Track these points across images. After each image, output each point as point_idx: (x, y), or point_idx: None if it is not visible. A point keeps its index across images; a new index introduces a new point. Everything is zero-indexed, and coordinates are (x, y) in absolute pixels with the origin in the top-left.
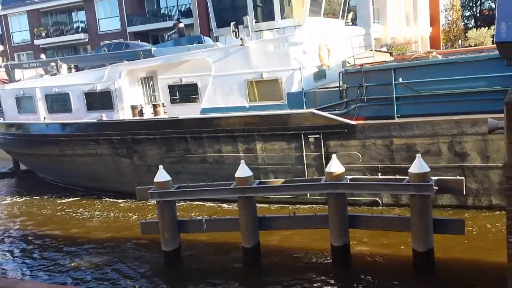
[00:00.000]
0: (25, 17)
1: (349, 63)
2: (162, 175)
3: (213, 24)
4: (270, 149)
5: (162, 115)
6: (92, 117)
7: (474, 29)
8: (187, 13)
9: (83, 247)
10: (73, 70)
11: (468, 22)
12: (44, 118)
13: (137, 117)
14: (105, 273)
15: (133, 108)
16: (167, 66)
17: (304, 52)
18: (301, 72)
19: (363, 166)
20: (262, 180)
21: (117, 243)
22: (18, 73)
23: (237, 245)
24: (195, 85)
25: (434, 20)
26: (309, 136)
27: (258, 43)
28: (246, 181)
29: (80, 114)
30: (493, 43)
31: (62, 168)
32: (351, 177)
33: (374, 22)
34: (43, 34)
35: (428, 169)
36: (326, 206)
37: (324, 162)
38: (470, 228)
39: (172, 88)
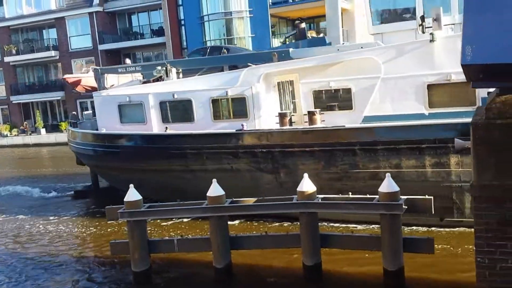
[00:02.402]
0: None
1: None
2: (132, 194)
3: (368, 22)
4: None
5: (319, 124)
6: (219, 127)
7: None
8: (160, 32)
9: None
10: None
11: None
12: (166, 128)
13: (288, 127)
14: None
15: (282, 116)
16: (311, 69)
17: None
18: None
19: None
20: (234, 199)
21: (87, 262)
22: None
23: (209, 265)
24: (349, 90)
25: None
26: None
27: (445, 39)
28: (218, 200)
29: (203, 124)
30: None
31: (177, 185)
32: (322, 196)
33: (343, 43)
34: (13, 51)
35: (397, 189)
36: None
37: None
38: (439, 247)
39: (318, 94)
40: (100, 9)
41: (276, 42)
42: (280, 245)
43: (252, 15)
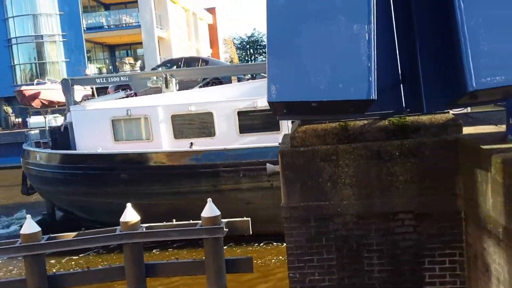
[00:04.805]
0: None
1: None
2: None
3: None
4: None
5: None
6: (246, 141)
7: None
8: None
9: None
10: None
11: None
12: (192, 144)
13: None
14: None
15: None
16: None
17: None
18: None
19: None
20: (50, 236)
21: None
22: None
23: None
24: None
25: (213, 43)
26: None
27: None
28: (33, 238)
29: (227, 139)
30: None
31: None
32: (146, 225)
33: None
34: None
35: (218, 213)
36: None
37: None
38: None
39: None
40: None
41: (93, 68)
42: (104, 279)
43: (65, 39)
